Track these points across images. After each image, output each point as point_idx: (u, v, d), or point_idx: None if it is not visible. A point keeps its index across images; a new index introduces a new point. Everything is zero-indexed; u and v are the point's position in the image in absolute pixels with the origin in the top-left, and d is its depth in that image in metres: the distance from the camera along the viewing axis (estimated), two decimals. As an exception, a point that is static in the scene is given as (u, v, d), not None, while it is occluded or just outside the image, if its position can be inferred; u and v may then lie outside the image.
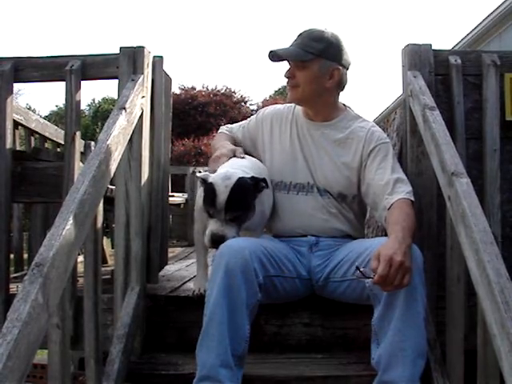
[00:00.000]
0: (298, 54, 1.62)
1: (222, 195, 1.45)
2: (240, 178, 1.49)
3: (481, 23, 6.49)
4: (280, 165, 1.73)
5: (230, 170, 1.54)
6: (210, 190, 1.48)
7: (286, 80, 1.69)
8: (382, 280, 1.26)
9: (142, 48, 1.76)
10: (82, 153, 2.19)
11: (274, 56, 1.66)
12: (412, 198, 1.53)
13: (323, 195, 1.69)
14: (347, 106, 1.79)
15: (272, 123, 1.80)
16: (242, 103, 17.23)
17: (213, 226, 1.47)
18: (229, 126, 1.95)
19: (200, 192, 1.65)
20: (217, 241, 1.46)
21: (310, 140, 1.72)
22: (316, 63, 1.63)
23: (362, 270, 1.32)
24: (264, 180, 1.54)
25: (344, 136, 1.70)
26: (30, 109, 11.05)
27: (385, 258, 1.26)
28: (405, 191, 1.54)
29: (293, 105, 1.80)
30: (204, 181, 1.52)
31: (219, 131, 1.95)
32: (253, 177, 1.52)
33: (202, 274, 1.79)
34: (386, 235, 1.57)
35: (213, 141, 1.94)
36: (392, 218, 1.47)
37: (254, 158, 1.76)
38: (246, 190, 1.49)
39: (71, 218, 1.12)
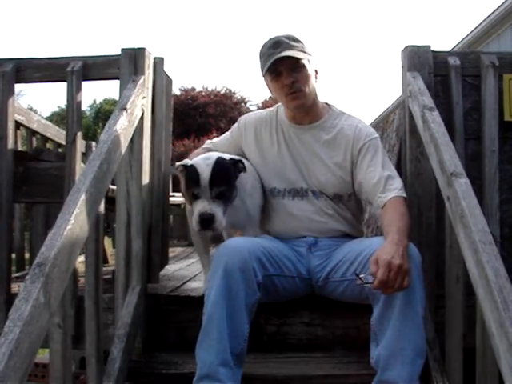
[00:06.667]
0: (297, 54, 1.59)
1: (205, 173, 1.49)
2: (219, 157, 1.56)
3: (480, 24, 6.49)
4: (271, 172, 1.72)
5: (207, 154, 1.63)
6: (192, 171, 1.52)
7: (287, 88, 1.60)
8: (382, 285, 1.26)
9: (142, 49, 1.76)
10: (83, 153, 2.20)
11: (275, 62, 1.58)
12: (404, 195, 1.55)
13: (319, 198, 1.69)
14: (330, 104, 1.78)
15: (256, 130, 1.77)
16: (242, 104, 17.25)
17: (199, 205, 1.49)
18: (214, 140, 1.93)
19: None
20: (206, 220, 1.47)
21: (299, 144, 1.71)
22: (307, 61, 1.62)
23: (361, 276, 1.32)
24: (241, 162, 1.59)
25: (332, 137, 1.69)
26: (31, 109, 11.05)
27: (384, 263, 1.26)
28: (397, 188, 1.55)
29: (275, 110, 1.79)
30: (185, 166, 1.56)
31: (203, 146, 1.92)
32: (231, 158, 1.59)
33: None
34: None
35: (192, 152, 1.91)
36: (386, 218, 1.48)
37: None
38: (227, 167, 1.56)
39: (72, 218, 1.13)
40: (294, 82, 1.61)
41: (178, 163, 1.60)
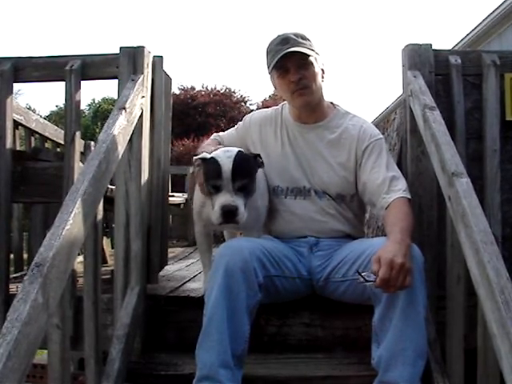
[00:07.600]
0: (306, 51, 1.59)
1: (227, 165, 1.47)
2: (239, 150, 1.55)
3: (481, 23, 6.49)
4: (275, 170, 1.72)
5: (225, 148, 1.61)
6: (212, 164, 1.49)
7: (294, 85, 1.61)
8: (383, 283, 1.26)
9: (141, 48, 1.76)
10: (81, 153, 2.18)
11: (283, 58, 1.58)
12: (408, 196, 1.54)
13: (321, 197, 1.68)
14: (335, 103, 1.77)
15: (261, 128, 1.77)
16: (242, 103, 17.25)
17: (222, 198, 1.46)
18: (220, 134, 1.93)
19: (197, 192, 1.65)
20: (229, 212, 1.45)
21: (303, 143, 1.71)
22: (314, 59, 1.63)
23: (363, 274, 1.32)
24: (260, 156, 1.59)
25: (337, 136, 1.69)
26: (30, 109, 10.99)
27: (386, 261, 1.26)
28: (401, 189, 1.54)
29: (280, 108, 1.78)
30: (204, 159, 1.54)
31: (211, 137, 1.91)
32: (250, 152, 1.61)
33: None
34: (386, 235, 1.57)
35: (200, 145, 1.90)
36: (390, 218, 1.48)
37: None
38: (248, 160, 1.54)
39: (71, 218, 1.12)
40: (301, 79, 1.61)
41: (195, 157, 1.57)
